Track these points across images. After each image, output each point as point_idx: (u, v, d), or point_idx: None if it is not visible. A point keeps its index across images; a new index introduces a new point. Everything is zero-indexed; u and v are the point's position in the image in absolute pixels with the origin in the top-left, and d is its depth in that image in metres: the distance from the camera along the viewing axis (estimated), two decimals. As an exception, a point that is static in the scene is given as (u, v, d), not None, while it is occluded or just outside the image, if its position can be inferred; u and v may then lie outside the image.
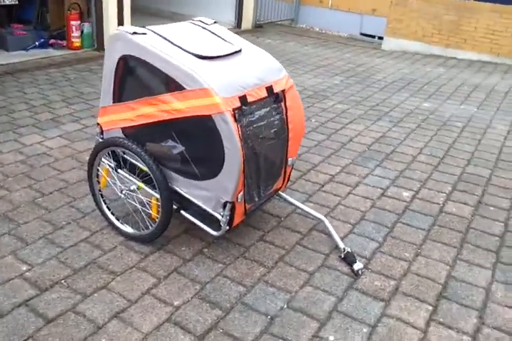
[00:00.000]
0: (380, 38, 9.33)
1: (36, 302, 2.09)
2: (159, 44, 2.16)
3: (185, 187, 2.31)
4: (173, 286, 2.26)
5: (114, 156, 2.52)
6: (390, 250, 2.63)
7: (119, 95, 2.37)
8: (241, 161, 2.08)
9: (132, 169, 2.48)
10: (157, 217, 2.42)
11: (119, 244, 2.54)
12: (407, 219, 2.94)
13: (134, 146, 2.29)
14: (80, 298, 2.15)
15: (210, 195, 2.24)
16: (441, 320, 2.15)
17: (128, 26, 2.28)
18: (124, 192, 2.52)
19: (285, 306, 2.17)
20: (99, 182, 2.60)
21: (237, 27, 8.87)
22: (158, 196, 2.34)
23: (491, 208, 3.13)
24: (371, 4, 8.93)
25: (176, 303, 2.15)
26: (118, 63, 2.29)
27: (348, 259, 2.47)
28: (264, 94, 2.25)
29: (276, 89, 2.32)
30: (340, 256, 2.50)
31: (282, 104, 2.37)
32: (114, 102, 2.41)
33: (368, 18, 9.33)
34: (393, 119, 4.69)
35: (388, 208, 3.06)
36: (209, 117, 2.06)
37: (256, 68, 2.31)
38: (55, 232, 2.60)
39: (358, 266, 2.42)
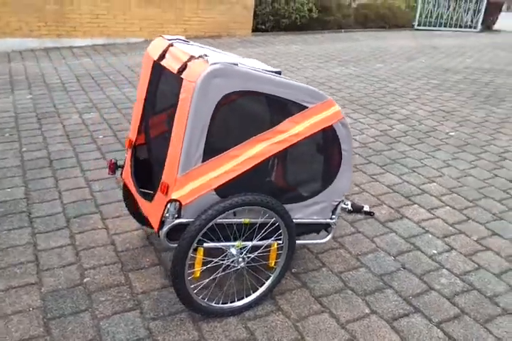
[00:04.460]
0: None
1: None
2: (253, 69, 1.74)
3: (298, 213, 2.11)
4: (363, 326, 2.16)
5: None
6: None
7: (214, 148, 1.75)
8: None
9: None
10: (276, 263, 2.09)
11: (247, 329, 2.02)
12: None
13: (266, 198, 1.89)
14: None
15: (325, 204, 2.19)
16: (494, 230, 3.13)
17: (216, 57, 1.63)
18: (241, 258, 1.95)
19: (402, 268, 2.53)
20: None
21: None
22: (261, 241, 2.02)
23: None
24: None
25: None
26: (217, 106, 1.65)
27: (356, 208, 2.97)
28: None
29: None
30: (348, 211, 2.95)
31: None
32: (204, 160, 1.74)
33: None
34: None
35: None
36: (330, 127, 1.99)
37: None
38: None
39: (366, 207, 2.97)
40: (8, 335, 1.94)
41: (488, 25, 12.59)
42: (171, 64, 1.88)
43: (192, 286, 1.95)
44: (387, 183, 3.46)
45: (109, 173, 2.33)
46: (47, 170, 3.38)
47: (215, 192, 1.86)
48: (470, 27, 12.37)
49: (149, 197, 2.05)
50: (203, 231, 1.83)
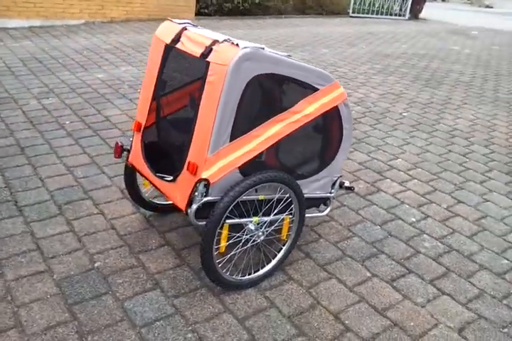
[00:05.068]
0: None
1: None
2: (276, 53, 1.82)
3: (305, 189, 2.25)
4: (368, 288, 2.36)
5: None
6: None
7: (240, 128, 1.82)
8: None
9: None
10: (287, 236, 2.23)
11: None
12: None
13: (285, 175, 2.02)
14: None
15: (327, 180, 2.35)
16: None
17: (242, 41, 1.68)
18: (261, 233, 2.05)
19: (389, 235, 2.76)
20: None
21: None
22: (271, 217, 2.15)
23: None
24: None
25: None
26: (245, 88, 1.72)
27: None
28: None
29: None
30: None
31: None
32: (232, 140, 1.80)
33: None
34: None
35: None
36: (335, 108, 2.13)
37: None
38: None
39: (347, 183, 3.16)
40: (34, 323, 1.91)
41: (415, 14, 13.36)
42: (190, 47, 1.92)
43: (217, 261, 2.04)
44: (358, 161, 3.70)
45: (115, 157, 2.31)
46: (21, 158, 3.23)
47: (238, 171, 1.95)
48: (399, 15, 13.06)
49: (167, 178, 2.09)
50: (230, 208, 1.92)
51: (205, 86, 1.82)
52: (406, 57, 7.82)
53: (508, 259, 2.63)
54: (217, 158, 1.87)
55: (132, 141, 2.31)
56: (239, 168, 1.94)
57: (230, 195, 1.89)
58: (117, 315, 2.00)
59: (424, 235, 2.79)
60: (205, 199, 1.90)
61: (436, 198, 3.23)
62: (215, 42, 1.83)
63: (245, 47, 1.74)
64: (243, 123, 1.89)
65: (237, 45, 1.76)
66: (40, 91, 4.54)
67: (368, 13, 12.81)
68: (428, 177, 3.52)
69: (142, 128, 2.21)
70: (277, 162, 2.29)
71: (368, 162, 3.69)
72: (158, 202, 2.68)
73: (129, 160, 2.34)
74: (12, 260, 2.26)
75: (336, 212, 2.93)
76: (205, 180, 1.86)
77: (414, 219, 2.94)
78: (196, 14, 9.34)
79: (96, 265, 2.27)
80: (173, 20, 2.14)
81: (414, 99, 5.45)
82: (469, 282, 2.41)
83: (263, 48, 1.80)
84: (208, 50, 1.82)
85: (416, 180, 3.46)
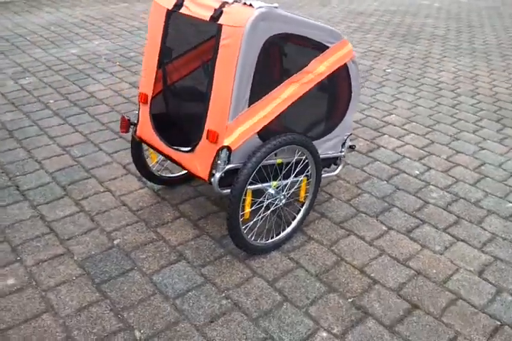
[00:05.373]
0: None
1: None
2: (289, 12, 1.76)
3: (319, 149, 2.24)
4: (387, 241, 2.40)
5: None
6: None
7: (257, 92, 1.77)
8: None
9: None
10: (305, 198, 2.23)
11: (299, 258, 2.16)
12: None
13: (302, 137, 2.00)
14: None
15: (339, 138, 2.35)
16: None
17: (256, 1, 1.62)
18: (282, 196, 2.05)
19: (397, 189, 2.82)
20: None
21: None
22: (287, 179, 2.14)
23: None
24: None
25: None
26: (261, 50, 1.67)
27: (340, 144, 3.16)
28: None
29: None
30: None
31: None
32: (250, 104, 1.75)
33: None
34: (94, 71, 4.41)
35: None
36: (344, 66, 2.10)
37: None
38: (246, 307, 1.84)
39: (349, 143, 3.17)
40: (65, 305, 1.88)
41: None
42: (197, 11, 1.84)
43: (243, 227, 2.04)
44: (354, 119, 3.70)
45: (122, 132, 2.23)
46: (11, 142, 3.09)
47: (257, 136, 1.92)
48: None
49: (184, 149, 2.03)
50: (253, 173, 1.89)
51: (220, 50, 1.74)
52: (379, 14, 7.74)
53: (512, 203, 2.74)
54: (237, 124, 1.82)
55: (138, 113, 2.23)
56: (258, 133, 1.91)
57: (252, 160, 1.86)
58: (148, 289, 1.99)
59: (431, 186, 2.84)
60: (227, 166, 1.88)
61: (435, 150, 3.29)
62: (224, 4, 1.75)
63: (260, 7, 1.67)
64: (260, 87, 1.83)
65: (250, 5, 1.69)
66: (15, 71, 4.31)
67: (333, -29, 12.54)
68: (423, 131, 3.56)
69: (150, 99, 2.13)
70: (287, 125, 2.26)
71: (363, 120, 3.70)
72: (166, 175, 2.64)
73: (136, 133, 2.26)
74: (28, 245, 2.20)
75: (342, 171, 2.94)
76: (227, 147, 1.82)
77: (418, 172, 2.99)
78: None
79: (115, 242, 2.24)
80: (170, -17, 2.03)
81: (396, 55, 5.43)
82: (480, 227, 2.50)
83: (277, 7, 1.73)
84: (218, 13, 1.74)
85: (413, 134, 3.50)
